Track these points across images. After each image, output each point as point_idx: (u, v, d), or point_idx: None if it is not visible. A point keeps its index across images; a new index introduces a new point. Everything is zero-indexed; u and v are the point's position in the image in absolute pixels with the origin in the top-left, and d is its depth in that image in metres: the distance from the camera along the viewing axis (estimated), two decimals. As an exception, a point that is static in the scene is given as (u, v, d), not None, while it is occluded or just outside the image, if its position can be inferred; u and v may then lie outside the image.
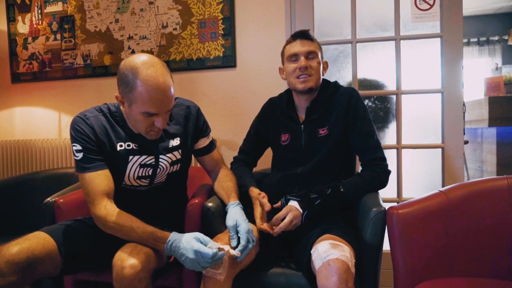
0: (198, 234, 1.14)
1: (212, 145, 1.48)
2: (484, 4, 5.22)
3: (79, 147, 1.22)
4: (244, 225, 1.20)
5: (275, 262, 1.34)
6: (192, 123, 1.38)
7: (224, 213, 1.41)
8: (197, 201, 1.45)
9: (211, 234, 1.35)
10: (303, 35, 1.45)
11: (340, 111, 1.42)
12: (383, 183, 1.39)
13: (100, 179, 1.21)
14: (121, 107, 1.27)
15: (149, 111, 1.16)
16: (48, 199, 1.58)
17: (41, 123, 2.54)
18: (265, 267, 1.30)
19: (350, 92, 1.44)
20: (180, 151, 1.35)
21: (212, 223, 1.39)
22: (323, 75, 1.49)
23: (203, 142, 1.44)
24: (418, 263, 1.23)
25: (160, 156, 1.31)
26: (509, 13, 5.65)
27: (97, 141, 1.24)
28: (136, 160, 1.29)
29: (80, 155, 1.22)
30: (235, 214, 1.24)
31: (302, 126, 1.46)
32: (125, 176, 1.29)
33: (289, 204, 1.32)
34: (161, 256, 1.21)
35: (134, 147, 1.29)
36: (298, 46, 1.43)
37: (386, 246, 1.26)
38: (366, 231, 1.24)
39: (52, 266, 1.17)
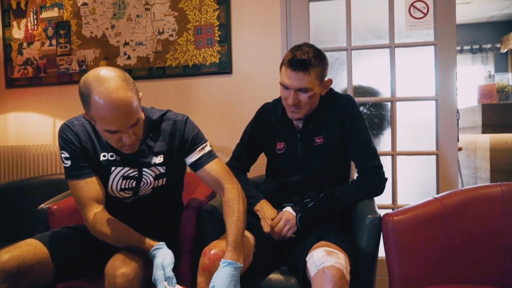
0: (166, 264, 1.10)
1: (205, 158, 1.31)
2: (477, 12, 5.30)
3: (67, 155, 1.22)
4: None
5: (270, 270, 1.33)
6: (178, 140, 1.31)
7: (219, 219, 1.41)
8: (191, 208, 1.44)
9: (206, 241, 1.35)
10: (299, 66, 1.29)
11: (336, 119, 1.41)
12: (379, 191, 1.40)
13: (88, 187, 1.20)
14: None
15: (108, 129, 1.10)
16: (42, 205, 1.56)
17: (36, 128, 2.52)
18: (260, 275, 1.29)
19: (346, 100, 1.43)
20: (164, 167, 1.30)
21: (207, 230, 1.39)
22: (323, 94, 1.40)
23: (193, 156, 1.31)
24: (413, 270, 1.23)
25: (144, 169, 1.27)
26: (501, 22, 5.73)
27: (82, 148, 1.23)
28: (119, 172, 1.25)
29: (68, 163, 1.22)
30: (217, 277, 1.06)
31: (299, 134, 1.45)
32: (108, 186, 1.27)
33: (283, 210, 1.35)
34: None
35: (117, 158, 1.25)
36: (290, 79, 1.31)
37: (381, 253, 1.26)
38: (362, 238, 1.24)
39: (44, 274, 1.15)
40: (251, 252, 1.27)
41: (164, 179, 1.32)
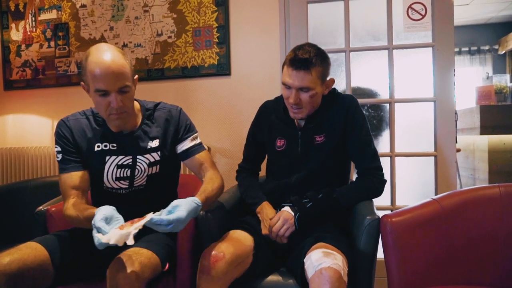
0: (94, 222, 1.02)
1: (197, 147, 1.40)
2: (475, 14, 5.31)
3: (59, 149, 1.31)
4: (182, 212, 1.04)
5: (269, 271, 1.33)
6: (173, 126, 1.38)
7: (218, 220, 1.41)
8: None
9: (206, 243, 1.35)
10: (301, 65, 1.29)
11: (338, 119, 1.41)
12: (378, 192, 1.40)
13: (71, 179, 1.28)
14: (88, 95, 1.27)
15: (98, 87, 1.18)
16: (40, 207, 1.56)
17: (34, 130, 2.52)
18: (259, 277, 1.29)
19: (349, 100, 1.43)
20: (158, 152, 1.35)
21: (206, 231, 1.38)
22: (325, 93, 1.41)
23: (185, 144, 1.39)
24: (412, 271, 1.23)
25: (138, 157, 1.32)
26: (499, 23, 5.75)
27: (74, 143, 1.31)
28: (113, 161, 1.31)
29: (60, 156, 1.30)
30: (185, 201, 1.10)
31: (299, 132, 1.44)
32: (103, 177, 1.31)
33: (281, 210, 1.36)
34: (155, 265, 1.20)
35: (112, 147, 1.32)
36: (292, 78, 1.31)
37: (380, 254, 1.26)
38: (360, 239, 1.24)
39: (45, 277, 1.15)
40: (250, 253, 1.27)
41: (158, 166, 1.35)
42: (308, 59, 1.29)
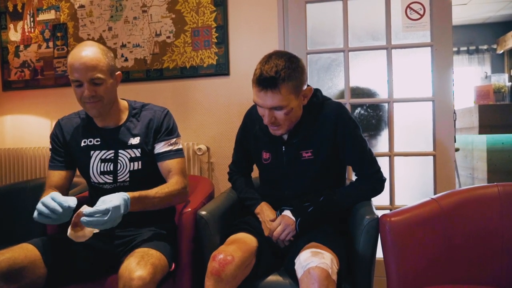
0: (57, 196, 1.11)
1: (171, 153, 1.40)
2: (473, 13, 5.32)
3: (50, 147, 1.43)
4: (115, 201, 1.08)
5: (270, 271, 1.33)
6: (155, 126, 1.41)
7: (217, 221, 1.41)
8: (189, 209, 1.44)
9: (205, 243, 1.35)
10: (267, 85, 1.18)
11: (326, 132, 1.33)
12: (379, 192, 1.41)
13: (53, 176, 1.39)
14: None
15: (72, 77, 1.27)
16: (39, 208, 1.56)
17: (33, 131, 2.52)
18: (260, 278, 1.29)
19: (336, 110, 1.34)
20: (139, 149, 1.39)
21: (206, 232, 1.38)
22: (304, 103, 1.32)
23: (161, 148, 1.40)
24: (411, 271, 1.23)
25: (119, 151, 1.38)
26: (497, 23, 5.76)
27: (64, 142, 1.42)
28: (97, 155, 1.39)
29: (51, 153, 1.43)
30: (115, 194, 1.12)
31: (283, 147, 1.37)
32: (89, 171, 1.39)
33: (282, 214, 1.35)
34: (164, 266, 1.22)
35: (96, 142, 1.40)
36: (260, 99, 1.22)
37: (379, 253, 1.27)
38: (359, 239, 1.24)
39: (37, 276, 1.16)
40: (254, 255, 1.28)
41: (140, 162, 1.38)
42: (275, 76, 1.17)
